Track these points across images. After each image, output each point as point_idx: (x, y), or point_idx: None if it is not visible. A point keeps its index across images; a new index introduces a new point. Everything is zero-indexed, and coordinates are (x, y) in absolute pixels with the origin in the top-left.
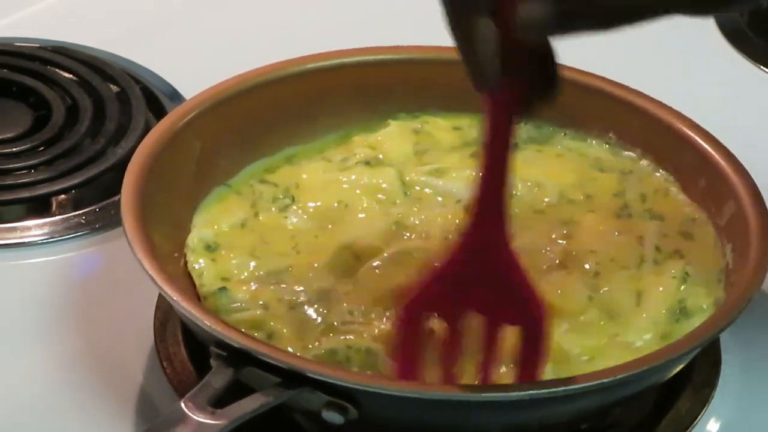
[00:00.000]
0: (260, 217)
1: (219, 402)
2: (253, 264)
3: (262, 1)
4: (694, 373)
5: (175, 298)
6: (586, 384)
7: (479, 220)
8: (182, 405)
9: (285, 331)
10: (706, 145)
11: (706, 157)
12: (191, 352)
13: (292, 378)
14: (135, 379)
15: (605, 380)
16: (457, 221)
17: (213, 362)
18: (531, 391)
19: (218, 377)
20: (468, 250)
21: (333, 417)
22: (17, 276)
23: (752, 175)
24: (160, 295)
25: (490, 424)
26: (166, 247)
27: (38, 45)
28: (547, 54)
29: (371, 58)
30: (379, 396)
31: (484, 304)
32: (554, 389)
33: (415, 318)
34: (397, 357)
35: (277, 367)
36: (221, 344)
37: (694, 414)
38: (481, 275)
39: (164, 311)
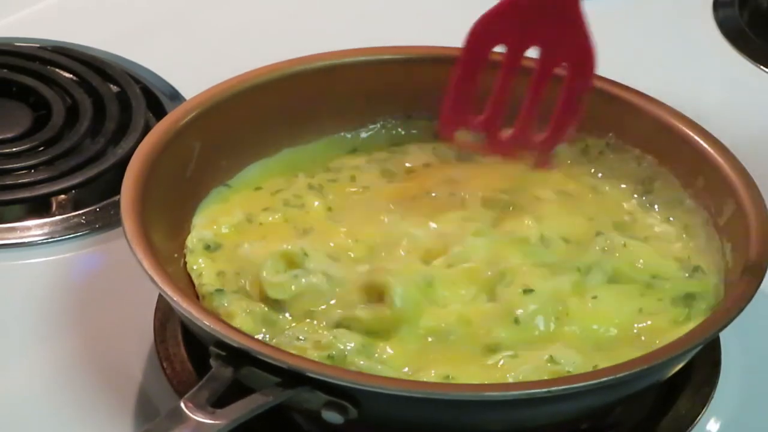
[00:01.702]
0: (260, 218)
1: (218, 402)
2: None
3: (261, 1)
4: (694, 373)
5: (175, 299)
6: (586, 383)
7: None
8: (182, 405)
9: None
10: (705, 145)
11: (705, 157)
12: (191, 353)
13: (292, 378)
14: (135, 379)
15: (605, 379)
16: None
17: (212, 362)
18: (531, 390)
19: (218, 377)
20: None
21: (333, 417)
22: (17, 276)
23: (752, 174)
24: (160, 295)
25: (490, 424)
26: (166, 247)
27: (38, 45)
28: None
29: (371, 58)
30: (378, 395)
31: (544, 40)
32: (554, 388)
33: (481, 43)
34: (450, 91)
35: (276, 366)
36: (220, 344)
37: (694, 414)
38: (547, 13)
39: (164, 312)
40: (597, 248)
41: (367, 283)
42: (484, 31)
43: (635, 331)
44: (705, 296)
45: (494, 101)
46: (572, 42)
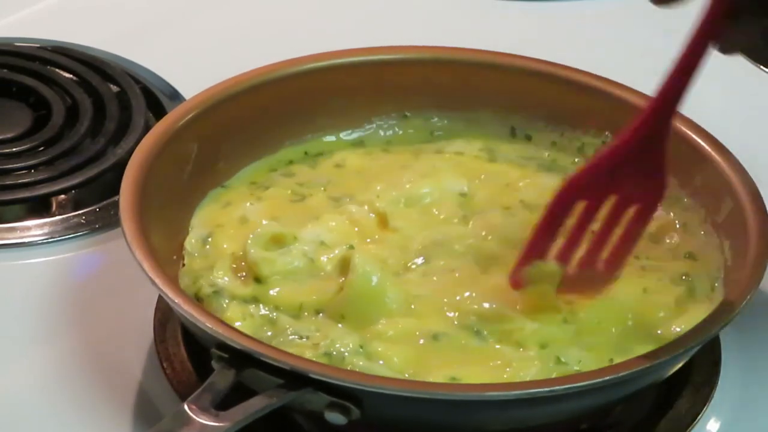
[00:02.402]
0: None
1: (221, 404)
2: None
3: (261, 1)
4: (694, 373)
5: (176, 301)
6: (586, 382)
7: (657, 113)
8: (186, 407)
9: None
10: (702, 143)
11: (702, 155)
12: (191, 353)
13: (295, 379)
14: (135, 379)
15: (604, 379)
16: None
17: (215, 364)
18: (533, 390)
19: (220, 379)
20: (633, 144)
21: (336, 418)
22: (17, 276)
23: (751, 174)
24: (159, 295)
25: (492, 423)
26: (165, 249)
27: (38, 45)
28: None
29: (371, 58)
30: (382, 396)
31: (626, 190)
32: (554, 388)
33: (566, 200)
34: (536, 231)
35: (279, 368)
36: (222, 346)
37: (695, 413)
38: (635, 166)
39: (164, 312)
40: None
41: (340, 262)
42: (573, 190)
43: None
44: (702, 277)
45: (569, 240)
46: (649, 187)
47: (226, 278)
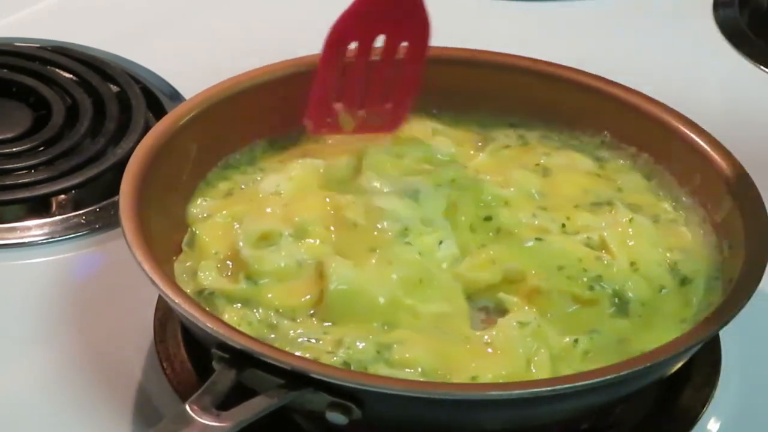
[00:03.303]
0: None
1: (222, 404)
2: None
3: (261, 1)
4: (694, 372)
5: (176, 301)
6: (585, 382)
7: None
8: (187, 408)
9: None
10: (701, 142)
11: (701, 154)
12: (191, 353)
13: (296, 379)
14: (135, 379)
15: (605, 378)
16: None
17: (215, 365)
18: (534, 390)
19: (221, 379)
20: None
21: (337, 418)
22: (17, 276)
23: (751, 174)
24: (159, 295)
25: (493, 423)
26: (165, 248)
27: (38, 45)
28: None
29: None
30: (383, 396)
31: (390, 26)
32: (555, 387)
33: (339, 45)
34: (317, 72)
35: (280, 368)
36: (223, 346)
37: (695, 413)
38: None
39: (164, 312)
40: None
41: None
42: (340, 34)
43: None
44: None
45: (351, 87)
46: (412, 22)
47: (210, 276)
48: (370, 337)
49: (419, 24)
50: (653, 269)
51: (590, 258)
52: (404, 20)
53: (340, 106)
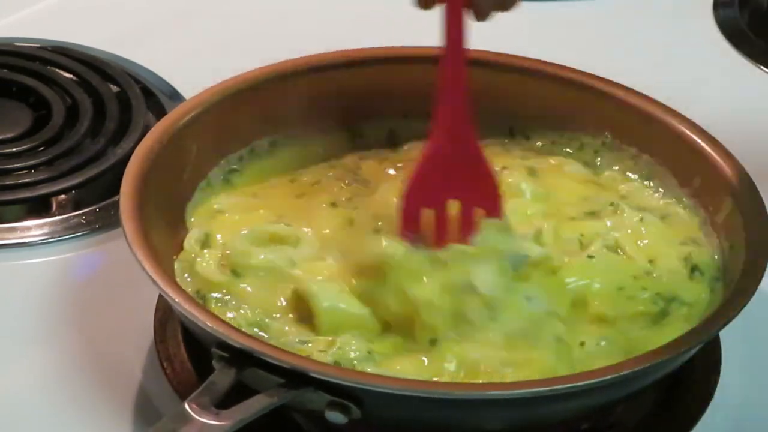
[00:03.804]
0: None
1: (221, 403)
2: None
3: (261, 1)
4: (694, 373)
5: (177, 300)
6: (585, 382)
7: (445, 116)
8: (186, 406)
9: None
10: (702, 143)
11: (702, 155)
12: (191, 353)
13: (295, 378)
14: (135, 379)
15: (605, 378)
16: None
17: (215, 364)
18: (535, 389)
19: (221, 378)
20: (440, 145)
21: (336, 417)
22: (17, 276)
23: (752, 174)
24: (160, 295)
25: (493, 422)
26: (165, 248)
27: (38, 45)
28: None
29: (370, 58)
30: (382, 395)
31: (460, 191)
32: (555, 387)
33: (411, 208)
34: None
35: (279, 367)
36: (223, 345)
37: (695, 413)
38: (454, 167)
39: (164, 312)
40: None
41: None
42: (411, 200)
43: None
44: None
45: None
46: (484, 192)
47: (204, 264)
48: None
49: (488, 191)
50: (672, 263)
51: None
52: (474, 187)
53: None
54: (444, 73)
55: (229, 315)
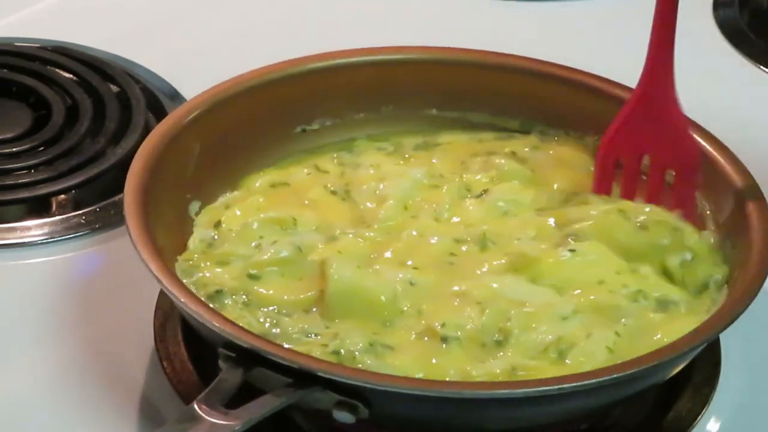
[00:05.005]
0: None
1: (228, 403)
2: None
3: (262, 1)
4: (694, 373)
5: (182, 300)
6: (592, 381)
7: (651, 73)
8: (195, 406)
9: None
10: (704, 143)
11: (704, 154)
12: (191, 352)
13: (303, 378)
14: (135, 379)
15: (610, 377)
16: None
17: (222, 364)
18: (543, 388)
19: (228, 378)
20: (642, 102)
21: (344, 416)
22: (17, 276)
23: (753, 174)
24: (160, 295)
25: (497, 421)
26: (169, 248)
27: (38, 45)
28: None
29: (371, 58)
30: (390, 395)
31: (654, 148)
32: (563, 386)
33: (606, 159)
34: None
35: (287, 367)
36: (230, 345)
37: (695, 414)
38: (652, 124)
39: (164, 311)
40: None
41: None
42: (607, 151)
43: None
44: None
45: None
46: (678, 148)
47: (218, 269)
48: (368, 332)
49: (685, 150)
50: None
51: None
52: (668, 145)
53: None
54: (658, 18)
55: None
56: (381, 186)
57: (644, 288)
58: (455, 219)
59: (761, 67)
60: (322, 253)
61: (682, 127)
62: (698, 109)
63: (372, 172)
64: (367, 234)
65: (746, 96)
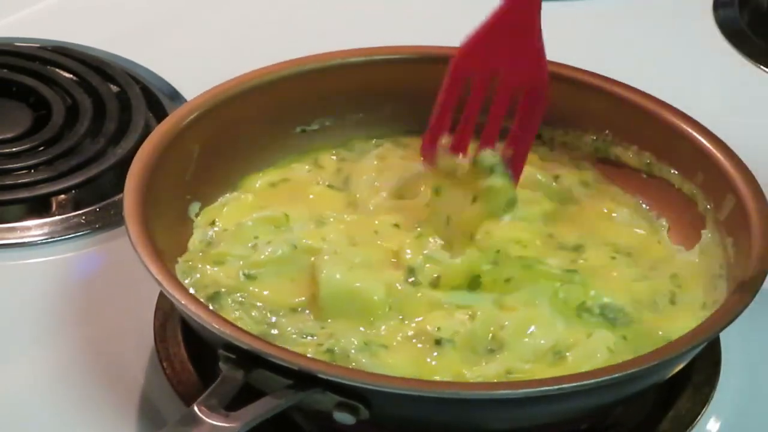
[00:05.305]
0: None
1: (229, 405)
2: None
3: (262, 1)
4: (694, 373)
5: (183, 302)
6: (592, 380)
7: None
8: (195, 408)
9: None
10: (703, 140)
11: (704, 152)
12: (191, 353)
13: (304, 379)
14: (135, 379)
15: (610, 377)
16: None
17: (222, 365)
18: (542, 388)
19: (229, 380)
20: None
21: (344, 418)
22: (17, 276)
23: (753, 173)
24: (160, 295)
25: (497, 422)
26: (169, 249)
27: (38, 45)
28: None
29: (371, 58)
30: (390, 396)
31: (508, 64)
32: (562, 386)
33: (459, 71)
34: (434, 117)
35: (288, 368)
36: (230, 347)
37: (695, 413)
38: (511, 38)
39: (164, 312)
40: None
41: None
42: (461, 63)
43: None
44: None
45: (464, 124)
46: (528, 68)
47: (215, 269)
48: (361, 330)
49: (534, 69)
50: None
51: None
52: (519, 64)
53: (446, 147)
54: None
55: (236, 314)
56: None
57: None
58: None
59: (761, 67)
60: (310, 244)
61: (537, 49)
62: (698, 109)
63: (375, 163)
64: (348, 218)
65: (746, 96)
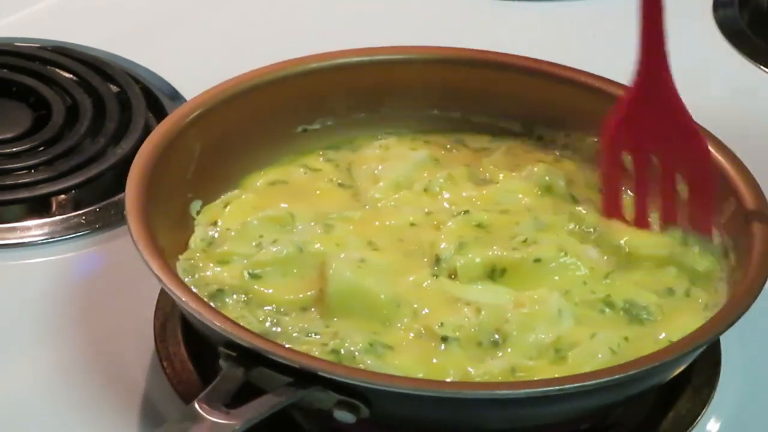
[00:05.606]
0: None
1: (229, 403)
2: None
3: (262, 1)
4: (694, 373)
5: (183, 299)
6: (594, 381)
7: (645, 68)
8: (196, 405)
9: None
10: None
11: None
12: (191, 353)
13: (304, 377)
14: (135, 379)
15: (611, 378)
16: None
17: (223, 363)
18: (544, 388)
19: (229, 378)
20: (641, 96)
21: (344, 416)
22: (17, 276)
23: (753, 174)
24: (160, 295)
25: (498, 422)
26: (170, 247)
27: (38, 45)
28: None
29: (371, 58)
30: (391, 395)
31: (662, 144)
32: (564, 386)
33: (613, 152)
34: (604, 188)
35: (288, 366)
36: (231, 344)
37: (695, 414)
38: (656, 115)
39: (164, 311)
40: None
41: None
42: (611, 142)
43: None
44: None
45: (639, 201)
46: (689, 154)
47: (218, 268)
48: (368, 332)
49: (692, 145)
50: None
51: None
52: (681, 151)
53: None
54: (643, 13)
55: (238, 312)
56: (380, 167)
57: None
58: (445, 194)
59: (761, 67)
60: (321, 249)
61: (693, 131)
62: (698, 109)
63: (377, 152)
64: (352, 215)
65: (746, 96)
